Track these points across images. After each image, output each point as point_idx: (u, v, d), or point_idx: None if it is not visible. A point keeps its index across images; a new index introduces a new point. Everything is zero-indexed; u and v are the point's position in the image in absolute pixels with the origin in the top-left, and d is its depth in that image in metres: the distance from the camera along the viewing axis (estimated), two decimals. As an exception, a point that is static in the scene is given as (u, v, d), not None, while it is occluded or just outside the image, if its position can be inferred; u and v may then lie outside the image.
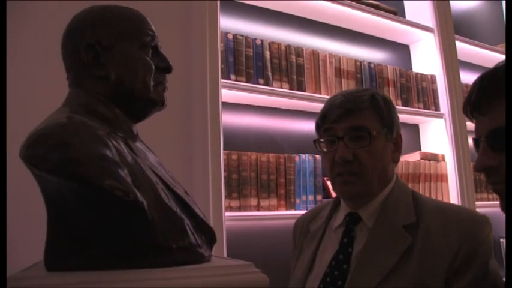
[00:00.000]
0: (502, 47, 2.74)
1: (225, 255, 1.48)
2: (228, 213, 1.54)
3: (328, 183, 1.81)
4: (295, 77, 1.83)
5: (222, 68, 1.61)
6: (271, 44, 1.79)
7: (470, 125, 1.91)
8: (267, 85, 1.73)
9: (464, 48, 2.53)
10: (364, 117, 1.03)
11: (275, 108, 1.93)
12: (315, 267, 1.07)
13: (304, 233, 1.18)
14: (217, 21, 1.62)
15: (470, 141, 2.23)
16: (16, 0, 1.35)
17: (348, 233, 1.05)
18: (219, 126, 1.55)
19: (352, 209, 1.06)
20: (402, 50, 2.47)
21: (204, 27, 1.59)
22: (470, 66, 2.77)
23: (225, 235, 1.49)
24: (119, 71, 0.78)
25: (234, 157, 1.63)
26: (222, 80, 1.60)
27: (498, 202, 0.72)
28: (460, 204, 2.12)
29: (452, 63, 2.33)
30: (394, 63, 2.34)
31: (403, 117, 2.12)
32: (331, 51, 2.02)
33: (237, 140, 1.80)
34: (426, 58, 2.40)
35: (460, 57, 2.45)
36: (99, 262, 0.66)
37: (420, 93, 2.25)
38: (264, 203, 1.66)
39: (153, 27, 0.84)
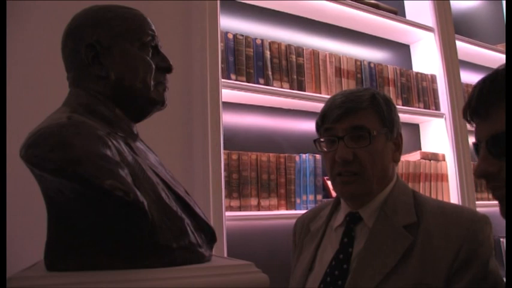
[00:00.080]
0: (502, 46, 2.74)
1: (225, 255, 1.48)
2: (228, 213, 1.54)
3: (329, 182, 1.81)
4: (295, 76, 1.83)
5: (222, 68, 1.61)
6: (271, 43, 1.79)
7: (471, 125, 1.91)
8: (267, 85, 1.73)
9: (465, 48, 2.53)
10: (364, 117, 1.03)
11: (275, 108, 1.93)
12: (315, 266, 1.07)
13: (304, 233, 1.18)
14: (218, 20, 1.62)
15: (471, 140, 2.24)
16: (16, 0, 1.35)
17: (348, 232, 1.05)
18: (219, 126, 1.55)
19: (353, 208, 1.06)
20: (402, 50, 2.47)
21: (204, 27, 1.59)
22: (471, 66, 2.77)
23: (225, 235, 1.49)
24: (119, 70, 0.78)
25: (235, 157, 1.63)
26: (222, 80, 1.60)
27: (498, 202, 0.72)
28: (460, 203, 2.12)
29: (452, 62, 2.33)
30: (394, 63, 2.34)
31: (403, 117, 2.12)
32: (331, 51, 2.02)
33: (238, 140, 1.80)
34: (426, 58, 2.39)
35: (460, 56, 2.45)
36: (99, 262, 0.66)
37: (420, 92, 2.25)
38: (265, 202, 1.66)
39: (153, 27, 0.84)
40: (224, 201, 1.52)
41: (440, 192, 2.15)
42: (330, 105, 1.07)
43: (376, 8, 2.13)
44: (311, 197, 1.77)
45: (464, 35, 2.54)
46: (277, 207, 1.69)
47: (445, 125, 2.27)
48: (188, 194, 0.84)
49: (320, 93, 1.88)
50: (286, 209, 1.71)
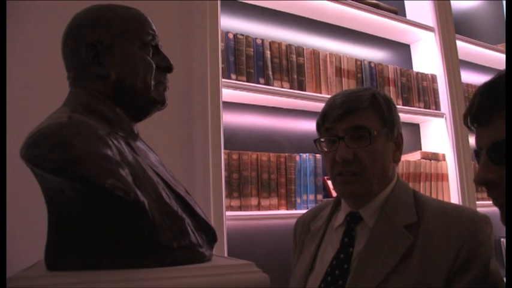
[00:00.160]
0: (503, 46, 2.74)
1: (226, 254, 1.48)
2: (228, 213, 1.54)
3: (329, 182, 1.81)
4: (295, 76, 1.83)
5: (222, 68, 1.61)
6: (271, 43, 1.79)
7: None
8: (268, 84, 1.73)
9: (465, 48, 2.53)
10: (364, 117, 1.03)
11: (276, 107, 1.92)
12: (315, 266, 1.07)
13: (305, 233, 1.18)
14: (218, 20, 1.62)
15: (471, 140, 2.23)
16: (16, 0, 1.35)
17: (348, 232, 1.05)
18: (219, 125, 1.55)
19: (353, 208, 1.06)
20: (403, 50, 2.47)
21: (205, 27, 1.59)
22: (471, 66, 2.77)
23: (225, 234, 1.49)
24: (120, 70, 0.78)
25: (235, 156, 1.63)
26: (223, 80, 1.60)
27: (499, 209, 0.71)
28: (460, 203, 2.12)
29: (452, 62, 2.33)
30: (394, 63, 2.34)
31: (403, 117, 2.12)
32: (331, 51, 2.02)
33: (238, 140, 1.80)
34: (427, 57, 2.39)
35: (461, 56, 2.45)
36: (100, 262, 0.66)
37: (421, 92, 2.25)
38: (265, 202, 1.66)
39: (153, 27, 0.84)
40: (224, 201, 1.52)
41: (441, 192, 2.15)
42: (330, 105, 1.07)
43: (376, 7, 2.13)
44: (311, 197, 1.77)
45: (465, 35, 2.54)
46: (278, 207, 1.69)
47: (446, 125, 2.27)
48: (189, 194, 0.84)
49: (320, 93, 1.88)
50: (287, 209, 1.71)
